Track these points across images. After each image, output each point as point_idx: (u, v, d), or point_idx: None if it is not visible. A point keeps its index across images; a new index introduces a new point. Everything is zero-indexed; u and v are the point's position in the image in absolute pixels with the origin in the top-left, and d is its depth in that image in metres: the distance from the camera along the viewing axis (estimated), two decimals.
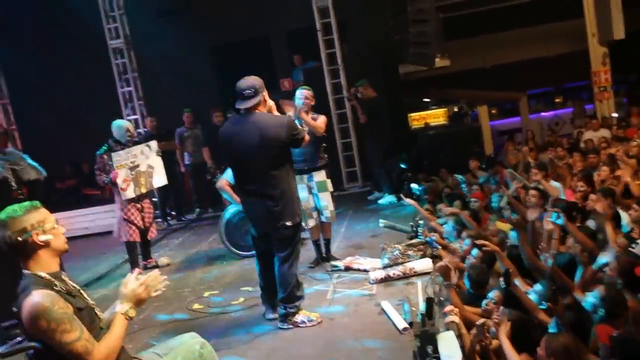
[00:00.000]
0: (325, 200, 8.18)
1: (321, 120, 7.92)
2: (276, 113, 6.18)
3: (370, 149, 12.54)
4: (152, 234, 9.64)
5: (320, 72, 14.19)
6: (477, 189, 10.63)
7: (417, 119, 19.88)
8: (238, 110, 6.10)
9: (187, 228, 13.16)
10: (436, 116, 19.92)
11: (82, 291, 3.76)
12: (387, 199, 12.09)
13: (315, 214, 8.26)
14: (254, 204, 6.10)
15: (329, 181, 8.21)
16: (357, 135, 14.08)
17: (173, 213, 14.13)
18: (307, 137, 6.20)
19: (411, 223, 9.06)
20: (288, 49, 16.05)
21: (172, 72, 15.30)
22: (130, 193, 9.24)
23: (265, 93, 6.09)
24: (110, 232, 9.81)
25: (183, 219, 13.97)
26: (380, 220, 9.69)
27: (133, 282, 3.72)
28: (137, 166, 9.33)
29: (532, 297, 5.38)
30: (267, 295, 6.73)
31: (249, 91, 5.97)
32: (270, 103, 6.14)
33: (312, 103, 7.93)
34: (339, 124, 14.42)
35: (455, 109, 20.16)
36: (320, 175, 8.15)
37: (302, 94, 7.89)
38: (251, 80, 6.01)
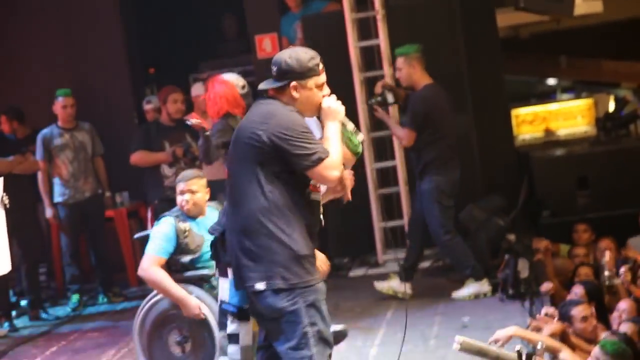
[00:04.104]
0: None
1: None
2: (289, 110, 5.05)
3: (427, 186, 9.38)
4: None
5: (336, 23, 10.39)
6: None
7: (531, 120, 16.07)
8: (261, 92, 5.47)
9: (51, 337, 9.73)
10: (571, 116, 16.33)
11: None
12: (469, 289, 9.32)
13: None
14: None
15: None
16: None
17: (23, 304, 10.34)
18: (338, 162, 4.91)
19: (518, 346, 6.27)
20: None
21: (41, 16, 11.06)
22: None
23: (306, 82, 5.10)
24: None
25: (44, 315, 10.19)
26: (457, 339, 6.69)
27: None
28: None
29: None
30: None
31: (274, 68, 5.21)
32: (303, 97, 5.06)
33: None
34: (373, 131, 10.22)
35: (613, 103, 16.58)
36: None
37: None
38: (285, 56, 5.15)
